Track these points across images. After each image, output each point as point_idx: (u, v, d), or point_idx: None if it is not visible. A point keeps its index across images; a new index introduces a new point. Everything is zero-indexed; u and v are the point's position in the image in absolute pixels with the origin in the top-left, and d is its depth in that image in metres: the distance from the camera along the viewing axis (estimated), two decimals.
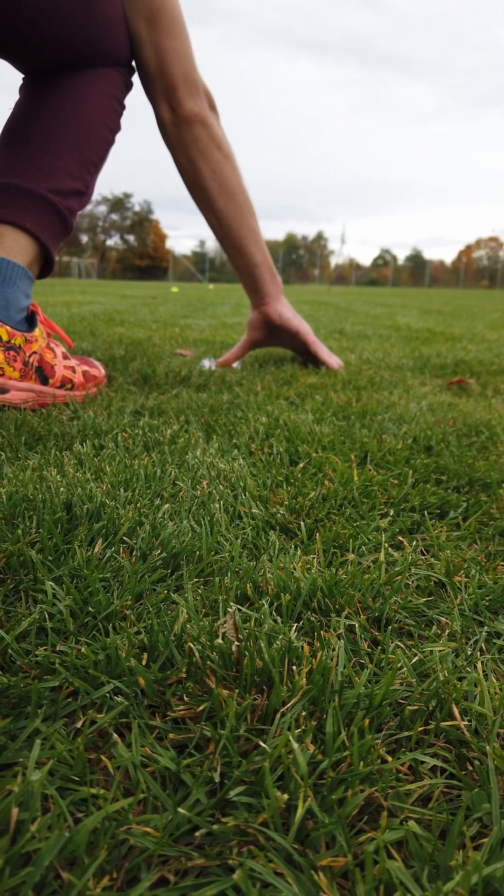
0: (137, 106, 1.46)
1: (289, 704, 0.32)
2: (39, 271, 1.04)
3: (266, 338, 1.45)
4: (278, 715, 0.31)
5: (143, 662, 0.35)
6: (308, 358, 1.49)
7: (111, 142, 1.12)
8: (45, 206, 1.00)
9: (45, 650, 0.36)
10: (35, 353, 0.96)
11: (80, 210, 1.09)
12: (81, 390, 1.05)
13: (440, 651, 0.37)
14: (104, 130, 1.08)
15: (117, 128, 1.13)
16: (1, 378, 0.91)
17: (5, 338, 0.91)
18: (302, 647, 0.36)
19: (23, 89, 1.09)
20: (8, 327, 0.92)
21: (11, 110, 1.07)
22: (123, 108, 1.13)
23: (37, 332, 0.98)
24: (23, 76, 1.10)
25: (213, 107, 1.23)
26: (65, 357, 1.03)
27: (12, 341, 0.92)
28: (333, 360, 1.45)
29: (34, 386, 0.96)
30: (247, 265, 1.34)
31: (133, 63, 1.12)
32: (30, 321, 0.99)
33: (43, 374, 0.98)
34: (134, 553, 0.47)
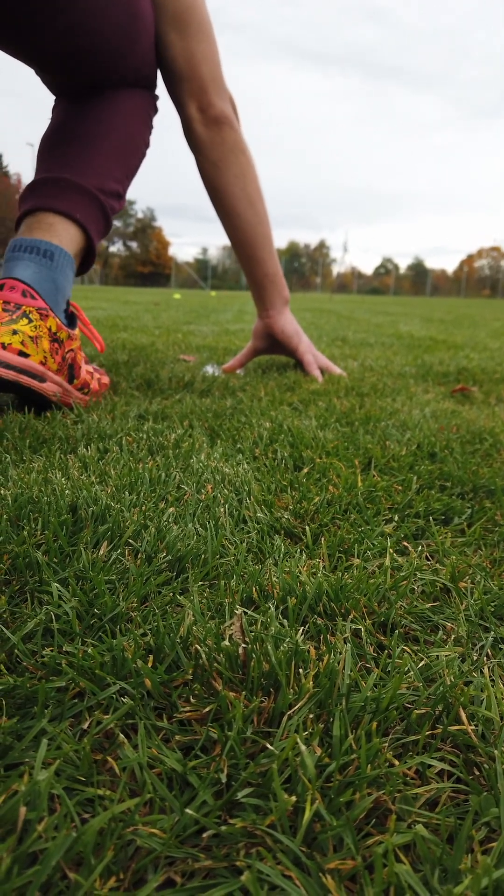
0: None
1: (296, 707, 0.32)
2: (79, 265, 1.06)
3: (269, 347, 1.47)
4: (285, 717, 0.31)
5: (150, 664, 0.35)
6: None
7: (144, 155, 1.16)
8: (93, 202, 1.03)
9: (52, 651, 0.36)
10: (72, 350, 0.98)
11: (118, 213, 1.11)
12: (94, 396, 1.06)
13: (446, 656, 0.37)
14: (140, 142, 1.13)
15: (148, 144, 1.17)
16: (43, 367, 0.92)
17: (54, 329, 0.93)
18: (308, 650, 0.36)
19: (57, 107, 1.12)
20: (58, 320, 0.94)
21: (49, 124, 1.10)
22: (153, 127, 1.17)
23: (76, 332, 1.01)
24: (55, 97, 1.13)
25: (236, 114, 1.26)
26: (86, 362, 1.05)
27: (58, 334, 0.94)
28: (335, 372, 1.46)
29: (63, 382, 0.97)
30: (257, 274, 1.35)
31: (156, 91, 1.17)
32: (70, 320, 1.00)
33: (72, 372, 0.99)
34: (139, 556, 0.47)
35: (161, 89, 1.19)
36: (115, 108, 1.08)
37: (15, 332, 0.88)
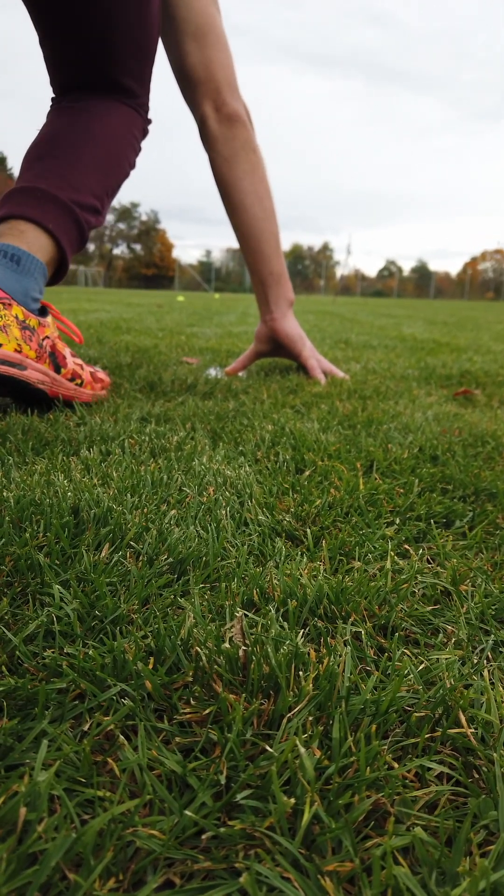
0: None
1: (295, 710, 0.32)
2: (52, 275, 1.06)
3: (272, 350, 1.48)
4: (285, 720, 0.31)
5: (150, 666, 0.35)
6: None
7: (127, 175, 1.19)
8: (67, 214, 1.04)
9: (53, 653, 0.36)
10: (47, 337, 0.98)
11: (95, 227, 1.12)
12: (89, 388, 1.06)
13: (446, 659, 0.37)
14: (125, 163, 1.15)
15: (133, 166, 1.20)
16: (19, 355, 0.91)
17: (21, 317, 0.92)
18: (308, 652, 0.36)
19: (50, 115, 1.14)
20: (23, 308, 0.93)
21: (39, 131, 1.12)
22: (140, 150, 1.21)
23: (49, 320, 1.00)
24: (51, 104, 1.14)
25: (249, 120, 1.32)
26: (72, 355, 1.05)
27: (27, 321, 0.93)
28: (338, 376, 1.46)
29: (49, 371, 0.97)
30: (263, 272, 1.36)
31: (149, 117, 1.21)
32: (41, 313, 1.00)
33: (56, 361, 0.99)
34: (140, 558, 0.47)
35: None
36: (104, 126, 1.10)
37: None
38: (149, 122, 1.21)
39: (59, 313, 1.07)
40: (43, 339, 0.96)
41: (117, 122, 1.12)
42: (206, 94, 1.25)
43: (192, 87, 1.26)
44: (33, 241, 0.99)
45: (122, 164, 1.14)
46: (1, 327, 0.88)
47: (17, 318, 0.91)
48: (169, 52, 1.27)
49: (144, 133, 1.20)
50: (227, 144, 1.28)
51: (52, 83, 1.15)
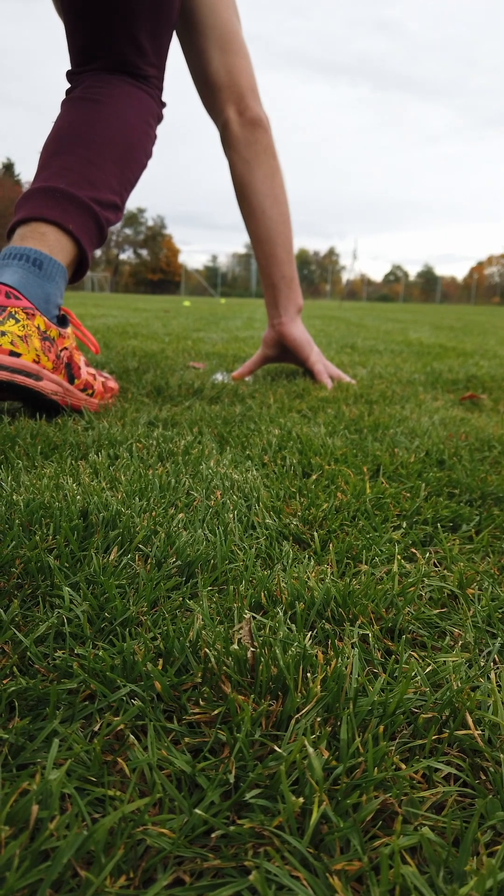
0: None
1: (303, 711, 0.32)
2: (72, 275, 1.07)
3: (279, 356, 1.48)
4: (293, 721, 0.31)
5: (159, 667, 0.35)
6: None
7: (145, 166, 1.20)
8: (87, 212, 1.04)
9: (63, 654, 0.36)
10: (66, 349, 0.98)
11: (114, 224, 1.13)
12: (99, 398, 1.06)
13: (453, 661, 0.38)
14: (142, 154, 1.17)
15: (150, 155, 1.21)
16: (37, 365, 0.92)
17: (43, 327, 0.93)
18: (316, 655, 0.36)
19: (64, 105, 1.14)
20: (46, 318, 0.94)
21: (54, 124, 1.12)
22: (156, 137, 1.22)
23: (69, 331, 1.01)
24: (65, 94, 1.15)
25: (269, 126, 1.34)
26: (87, 364, 1.06)
27: (48, 332, 0.94)
28: (345, 381, 1.47)
29: (63, 381, 0.98)
30: (275, 275, 1.37)
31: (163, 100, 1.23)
32: (61, 322, 1.01)
33: (71, 372, 1.00)
34: (149, 560, 0.48)
35: (169, 107, 1.22)
36: (120, 117, 1.11)
37: (3, 334, 0.89)
38: (163, 105, 1.22)
39: (79, 323, 1.08)
40: (61, 351, 0.97)
41: (132, 113, 1.12)
42: (230, 98, 1.28)
43: (216, 91, 1.28)
44: (55, 244, 1.00)
45: (139, 155, 1.15)
46: (22, 337, 0.89)
47: (38, 328, 0.92)
48: (192, 58, 1.29)
49: (159, 119, 1.21)
50: (249, 148, 1.30)
51: (70, 51, 1.17)
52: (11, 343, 0.89)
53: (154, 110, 1.17)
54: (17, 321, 0.90)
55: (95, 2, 1.07)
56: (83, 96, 1.12)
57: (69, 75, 1.19)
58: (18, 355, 0.90)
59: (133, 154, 1.13)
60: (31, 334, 0.91)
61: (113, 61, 1.13)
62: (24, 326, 0.90)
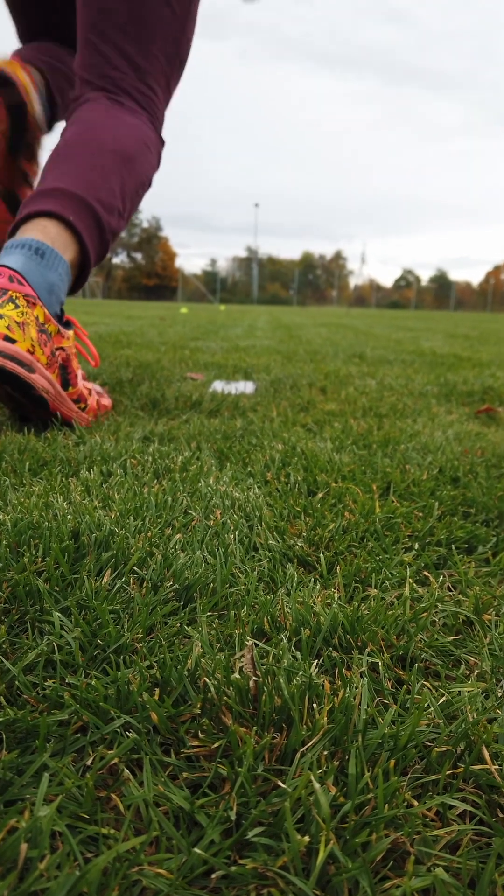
0: None
1: (309, 744, 0.32)
2: (74, 279, 1.10)
3: None
4: (298, 755, 0.32)
5: (156, 697, 0.36)
6: None
7: (147, 188, 1.25)
8: (89, 211, 1.08)
9: (53, 683, 0.37)
10: (62, 349, 1.00)
11: (117, 234, 1.16)
12: (91, 415, 1.07)
13: (469, 692, 0.38)
14: (144, 177, 1.22)
15: (150, 183, 1.27)
16: (31, 356, 0.93)
17: (42, 319, 0.95)
18: (323, 684, 0.37)
19: (66, 128, 1.20)
20: (46, 310, 0.96)
21: (62, 135, 1.17)
22: (157, 168, 1.30)
23: (70, 333, 1.03)
24: (70, 111, 1.21)
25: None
26: (84, 378, 1.07)
27: (46, 325, 0.96)
28: None
29: (55, 382, 0.99)
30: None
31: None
32: (66, 326, 1.03)
33: (66, 375, 1.01)
34: (145, 584, 0.48)
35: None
36: (131, 135, 1.16)
37: (0, 317, 0.90)
38: (163, 142, 1.28)
39: (84, 334, 1.09)
40: (56, 349, 0.98)
41: (143, 143, 1.19)
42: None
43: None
44: (56, 238, 1.03)
45: (142, 178, 1.20)
46: (20, 324, 0.90)
47: (37, 319, 0.94)
48: None
49: (159, 163, 1.29)
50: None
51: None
52: (7, 328, 0.90)
53: (159, 148, 1.26)
54: (17, 307, 0.92)
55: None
56: (78, 117, 1.18)
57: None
58: (13, 342, 0.91)
59: (137, 170, 1.18)
60: (29, 322, 0.92)
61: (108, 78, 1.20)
62: (23, 313, 0.92)
